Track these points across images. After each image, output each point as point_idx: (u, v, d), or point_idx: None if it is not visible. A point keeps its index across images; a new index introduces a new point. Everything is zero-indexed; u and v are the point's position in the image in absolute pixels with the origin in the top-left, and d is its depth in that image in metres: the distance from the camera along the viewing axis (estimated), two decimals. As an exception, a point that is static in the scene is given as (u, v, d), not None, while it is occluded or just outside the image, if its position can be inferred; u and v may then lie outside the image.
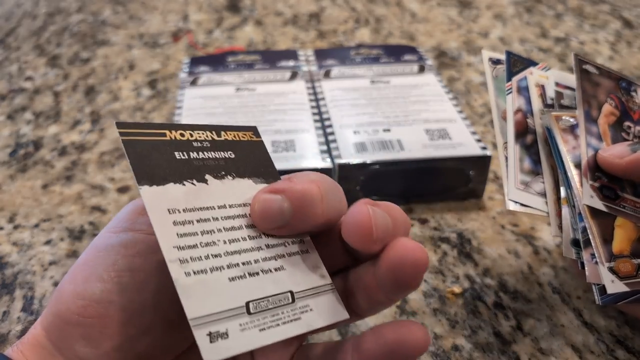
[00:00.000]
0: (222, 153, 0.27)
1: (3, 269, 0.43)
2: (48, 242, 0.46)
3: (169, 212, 0.23)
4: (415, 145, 0.49)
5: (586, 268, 0.32)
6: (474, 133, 0.50)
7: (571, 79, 0.40)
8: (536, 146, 0.37)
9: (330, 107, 0.54)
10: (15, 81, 0.69)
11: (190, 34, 0.79)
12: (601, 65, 0.39)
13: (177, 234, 0.23)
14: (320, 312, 0.24)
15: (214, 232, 0.24)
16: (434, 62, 0.70)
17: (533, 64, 0.40)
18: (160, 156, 0.25)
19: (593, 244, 0.32)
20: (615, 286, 0.32)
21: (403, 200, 0.49)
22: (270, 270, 0.24)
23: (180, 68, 0.64)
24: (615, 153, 0.34)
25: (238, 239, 0.24)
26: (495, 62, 0.40)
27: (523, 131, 0.37)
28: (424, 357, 0.36)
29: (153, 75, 0.69)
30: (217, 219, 0.24)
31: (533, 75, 0.39)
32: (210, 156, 0.26)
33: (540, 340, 0.37)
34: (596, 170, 0.34)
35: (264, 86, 0.58)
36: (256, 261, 0.24)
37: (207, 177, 0.25)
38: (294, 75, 0.60)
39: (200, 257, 0.23)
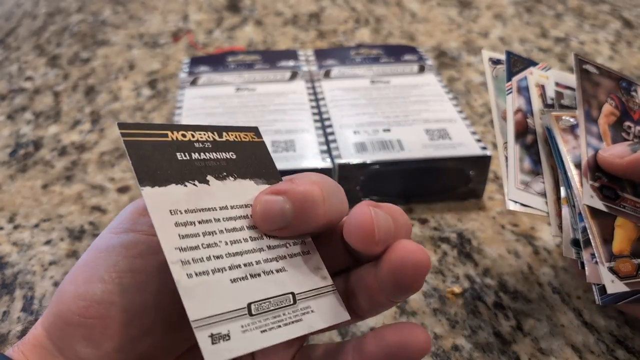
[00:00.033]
0: (223, 154, 0.27)
1: (3, 269, 0.43)
2: (48, 242, 0.46)
3: (171, 213, 0.23)
4: (415, 145, 0.49)
5: (586, 268, 0.32)
6: (474, 133, 0.50)
7: (571, 79, 0.40)
8: (536, 146, 0.37)
9: (330, 107, 0.54)
10: (15, 81, 0.69)
11: (190, 34, 0.79)
12: (601, 65, 0.39)
13: (179, 235, 0.23)
14: (322, 313, 0.24)
15: (216, 234, 0.24)
16: (434, 62, 0.70)
17: (533, 64, 0.40)
18: (161, 157, 0.25)
19: (593, 244, 0.32)
20: (615, 286, 0.32)
21: (403, 200, 0.49)
22: (272, 272, 0.24)
23: (180, 68, 0.64)
24: (616, 153, 0.34)
25: (240, 240, 0.24)
26: (496, 62, 0.40)
27: (523, 131, 0.37)
28: (424, 357, 0.36)
29: (153, 75, 0.69)
30: (218, 220, 0.24)
31: (533, 75, 0.39)
32: (212, 157, 0.26)
33: (540, 340, 0.37)
34: (596, 170, 0.34)
35: (264, 86, 0.58)
36: (258, 262, 0.24)
37: (209, 178, 0.25)
38: (294, 75, 0.60)
39: (202, 258, 0.23)
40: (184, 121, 0.53)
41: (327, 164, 0.47)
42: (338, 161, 0.47)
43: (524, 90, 0.39)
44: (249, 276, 0.23)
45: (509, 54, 0.39)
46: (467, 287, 0.42)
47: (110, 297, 0.24)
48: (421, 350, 0.24)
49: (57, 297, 0.25)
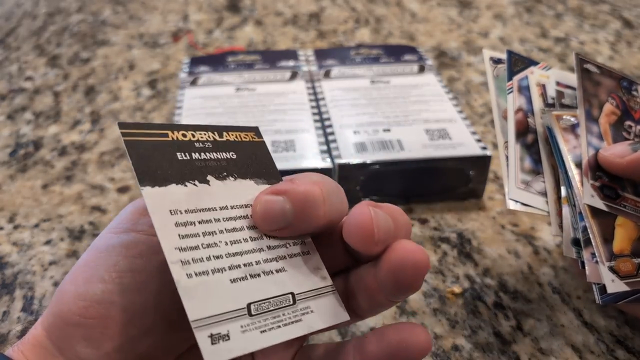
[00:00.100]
0: (224, 154, 0.27)
1: (3, 269, 0.43)
2: (48, 242, 0.46)
3: (171, 213, 0.23)
4: (415, 145, 0.49)
5: (586, 267, 0.32)
6: (474, 133, 0.50)
7: (572, 78, 0.40)
8: (537, 145, 0.37)
9: (330, 107, 0.54)
10: (15, 81, 0.69)
11: (190, 34, 0.79)
12: (602, 64, 0.39)
13: (179, 235, 0.23)
14: (321, 313, 0.24)
15: (216, 234, 0.24)
16: (434, 62, 0.70)
17: (534, 63, 0.40)
18: (162, 157, 0.24)
19: (593, 243, 0.32)
20: (615, 285, 0.32)
21: (403, 200, 0.49)
22: (272, 272, 0.24)
23: (180, 68, 0.64)
24: (616, 152, 0.34)
25: (240, 240, 0.24)
26: (496, 61, 0.40)
27: (524, 130, 0.37)
28: (424, 357, 0.36)
29: (153, 75, 0.69)
30: (218, 220, 0.24)
31: (534, 75, 0.39)
32: (212, 157, 0.26)
33: (540, 340, 0.37)
34: (597, 169, 0.34)
35: (264, 86, 0.58)
36: (257, 263, 0.24)
37: (209, 178, 0.25)
38: (294, 75, 0.60)
39: (202, 258, 0.23)
40: (184, 121, 0.53)
41: (327, 164, 0.47)
42: (338, 161, 0.47)
43: (524, 90, 0.39)
44: (248, 276, 0.23)
45: (510, 53, 0.39)
46: (467, 287, 0.41)
47: (110, 297, 0.24)
48: (422, 350, 0.24)
49: (57, 297, 0.25)
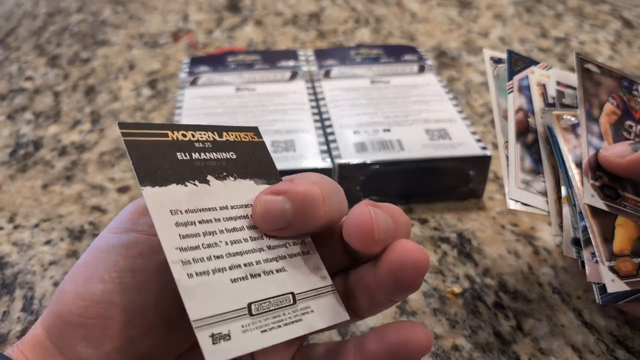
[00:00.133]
0: (223, 154, 0.27)
1: (3, 269, 0.43)
2: (48, 242, 0.46)
3: (171, 213, 0.23)
4: (415, 145, 0.49)
5: (586, 267, 0.32)
6: (474, 133, 0.50)
7: (572, 78, 0.40)
8: (537, 145, 0.37)
9: (330, 107, 0.54)
10: (15, 81, 0.69)
11: (190, 34, 0.79)
12: (603, 64, 0.39)
13: (180, 235, 0.23)
14: (321, 313, 0.24)
15: (216, 234, 0.24)
16: (434, 62, 0.70)
17: (534, 63, 0.40)
18: (162, 157, 0.24)
19: (594, 243, 0.32)
20: (615, 285, 0.32)
21: (403, 200, 0.49)
22: (272, 272, 0.24)
23: (180, 68, 0.64)
24: (617, 152, 0.34)
25: (240, 240, 0.24)
26: (497, 61, 0.40)
27: (524, 130, 0.37)
28: (424, 358, 0.36)
29: (153, 75, 0.69)
30: (219, 220, 0.24)
31: (534, 74, 0.39)
32: (212, 157, 0.26)
33: (540, 340, 0.37)
34: (597, 169, 0.34)
35: (264, 86, 0.58)
36: (258, 262, 0.24)
37: (209, 178, 0.25)
38: (294, 75, 0.60)
39: (203, 258, 0.23)
40: (184, 121, 0.53)
41: (327, 164, 0.47)
42: (338, 161, 0.47)
43: (525, 89, 0.39)
44: (249, 276, 0.23)
45: (510, 53, 0.39)
46: (467, 287, 0.41)
47: (110, 297, 0.24)
48: (422, 348, 0.24)
49: (57, 297, 0.25)
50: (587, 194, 0.34)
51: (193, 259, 0.22)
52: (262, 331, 0.22)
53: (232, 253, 0.24)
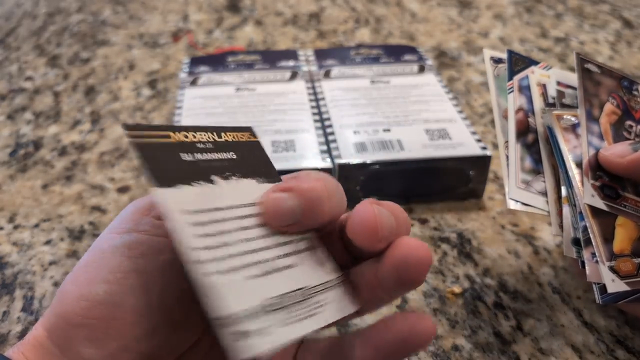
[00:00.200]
0: (224, 154, 0.27)
1: (3, 269, 0.43)
2: (48, 242, 0.46)
3: (184, 213, 0.23)
4: (415, 145, 0.49)
5: (587, 267, 0.32)
6: (474, 133, 0.50)
7: (573, 78, 0.40)
8: (537, 145, 0.37)
9: (330, 107, 0.54)
10: (15, 81, 0.69)
11: (190, 34, 0.79)
12: (603, 64, 0.39)
13: (194, 235, 0.23)
14: (335, 305, 0.25)
15: (228, 233, 0.24)
16: (434, 62, 0.70)
17: (534, 63, 0.40)
18: (168, 158, 0.24)
19: (594, 243, 0.32)
20: (615, 285, 0.32)
21: (403, 200, 0.49)
22: (285, 268, 0.24)
23: (180, 68, 0.64)
24: (617, 152, 0.34)
25: (251, 238, 0.24)
26: (497, 61, 0.40)
27: (524, 130, 0.37)
28: (424, 358, 0.36)
29: (153, 75, 0.69)
30: (228, 219, 0.24)
31: (534, 74, 0.39)
32: (215, 157, 0.26)
33: (540, 340, 0.37)
34: (597, 169, 0.34)
35: (264, 86, 0.58)
36: (270, 260, 0.24)
37: (214, 178, 0.25)
38: (294, 75, 0.60)
39: (218, 257, 0.23)
40: (184, 121, 0.53)
41: (327, 164, 0.47)
42: (338, 161, 0.47)
43: (525, 89, 0.39)
44: (263, 273, 0.23)
45: (511, 52, 0.39)
46: (467, 287, 0.41)
47: (114, 297, 0.24)
48: (428, 336, 0.24)
49: (59, 298, 0.25)
50: (587, 194, 0.34)
51: (209, 259, 0.22)
52: (281, 327, 0.22)
53: (245, 251, 0.24)
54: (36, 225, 0.47)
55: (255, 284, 0.23)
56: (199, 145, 0.26)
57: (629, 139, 0.36)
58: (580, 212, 0.33)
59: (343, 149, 0.48)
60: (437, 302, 0.40)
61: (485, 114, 0.61)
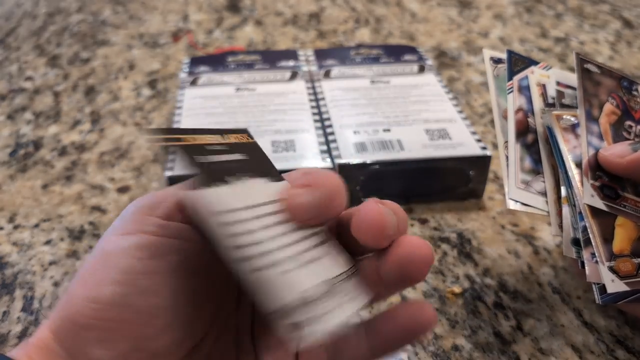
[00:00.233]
0: (231, 155, 0.27)
1: (3, 269, 0.43)
2: (48, 242, 0.46)
3: (217, 214, 0.23)
4: (415, 145, 0.49)
5: (586, 267, 0.32)
6: (474, 133, 0.50)
7: (572, 78, 0.40)
8: (537, 145, 0.37)
9: (330, 107, 0.54)
10: (15, 81, 0.69)
11: (190, 34, 0.79)
12: (603, 64, 0.39)
13: (233, 234, 0.23)
14: (357, 292, 0.26)
15: (260, 230, 0.24)
16: (434, 62, 0.70)
17: (534, 63, 0.40)
18: (191, 160, 0.25)
19: (593, 243, 0.32)
20: (615, 285, 0.32)
21: (403, 200, 0.49)
22: (315, 260, 0.25)
23: (180, 68, 0.64)
24: (616, 152, 0.34)
25: (280, 234, 0.25)
26: (497, 61, 0.40)
27: (524, 130, 0.37)
28: (425, 358, 0.36)
29: (153, 75, 0.69)
30: (254, 217, 0.25)
31: (534, 75, 0.39)
32: (225, 159, 0.27)
33: (540, 340, 0.37)
34: (597, 169, 0.34)
35: (264, 86, 0.58)
36: (301, 252, 0.25)
37: (229, 178, 0.26)
38: (294, 75, 0.60)
39: (260, 253, 0.23)
40: (184, 121, 0.53)
41: (327, 164, 0.47)
42: (338, 161, 0.47)
43: (525, 90, 0.39)
44: (300, 265, 0.24)
45: (510, 53, 0.39)
46: (467, 287, 0.41)
47: (124, 299, 0.24)
48: (431, 324, 0.25)
49: (66, 300, 0.25)
50: (586, 194, 0.34)
51: (254, 255, 0.23)
52: (329, 313, 0.23)
53: (277, 247, 0.24)
54: (36, 225, 0.47)
55: (297, 275, 0.24)
56: (207, 147, 0.26)
57: (628, 139, 0.36)
58: (580, 213, 0.33)
59: (343, 149, 0.48)
60: (437, 302, 0.40)
61: (485, 114, 0.61)
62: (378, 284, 0.26)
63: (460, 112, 0.53)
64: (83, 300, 0.24)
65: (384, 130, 0.50)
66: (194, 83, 0.59)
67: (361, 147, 0.48)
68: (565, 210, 0.34)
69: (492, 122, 0.59)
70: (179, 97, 0.56)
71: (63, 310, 0.25)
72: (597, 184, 0.34)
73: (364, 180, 0.48)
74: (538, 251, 0.44)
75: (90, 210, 0.49)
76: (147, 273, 0.24)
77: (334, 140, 0.49)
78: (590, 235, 0.33)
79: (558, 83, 0.40)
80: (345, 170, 0.47)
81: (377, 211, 0.25)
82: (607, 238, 0.33)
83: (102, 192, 0.51)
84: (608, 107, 0.37)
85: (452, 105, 0.54)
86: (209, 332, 0.27)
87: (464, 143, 0.49)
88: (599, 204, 0.33)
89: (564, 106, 0.39)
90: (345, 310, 0.24)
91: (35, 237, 0.46)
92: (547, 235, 0.46)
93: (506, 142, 0.37)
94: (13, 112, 0.63)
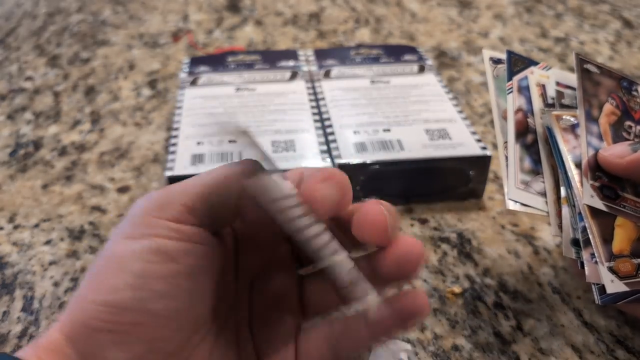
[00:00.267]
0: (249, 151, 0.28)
1: (3, 269, 0.43)
2: (48, 242, 0.46)
3: (279, 199, 0.25)
4: (415, 145, 0.49)
5: (586, 268, 0.32)
6: (474, 133, 0.50)
7: (572, 79, 0.40)
8: (536, 146, 0.37)
9: (330, 107, 0.54)
10: (15, 81, 0.69)
11: (190, 34, 0.79)
12: (602, 64, 0.39)
13: (297, 228, 0.25)
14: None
15: (299, 219, 0.25)
16: (434, 62, 0.70)
17: (534, 63, 0.40)
18: (262, 153, 0.26)
19: (593, 244, 0.32)
20: (614, 286, 0.32)
21: (403, 200, 0.49)
22: (337, 251, 0.26)
23: (180, 68, 0.64)
24: (616, 153, 0.34)
25: (308, 225, 0.25)
26: (496, 61, 0.40)
27: (523, 130, 0.37)
28: (425, 358, 0.36)
29: (153, 75, 0.69)
30: (294, 206, 0.25)
31: (534, 75, 0.39)
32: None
33: (540, 340, 0.37)
34: (597, 169, 0.34)
35: (264, 86, 0.58)
36: (330, 241, 0.25)
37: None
38: (294, 75, 0.60)
39: (324, 241, 0.25)
40: (184, 121, 0.53)
41: (327, 164, 0.47)
42: (338, 161, 0.47)
43: (524, 90, 0.39)
44: (335, 252, 0.25)
45: (510, 53, 0.39)
46: (467, 287, 0.41)
47: (140, 303, 0.24)
48: (425, 311, 0.27)
49: (77, 304, 0.25)
50: (586, 195, 0.34)
51: (324, 242, 0.25)
52: (370, 290, 0.25)
53: (317, 234, 0.25)
54: (36, 225, 0.47)
55: (342, 260, 0.25)
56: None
57: (628, 140, 0.36)
58: (580, 213, 0.33)
59: (343, 149, 0.48)
60: (437, 302, 0.40)
61: (485, 114, 0.61)
62: (374, 280, 0.26)
63: (460, 112, 0.53)
64: (97, 305, 0.24)
65: (384, 130, 0.50)
66: (194, 83, 0.59)
67: (361, 147, 0.48)
68: (565, 210, 0.34)
69: (492, 122, 0.59)
70: (179, 97, 0.56)
71: (74, 314, 0.25)
72: (596, 184, 0.34)
73: (364, 180, 0.48)
74: (538, 251, 0.44)
75: (90, 210, 0.49)
76: (161, 277, 0.25)
77: (334, 140, 0.49)
78: (590, 236, 0.33)
79: (558, 83, 0.40)
80: (345, 171, 0.46)
81: (381, 213, 0.26)
82: (607, 238, 0.33)
83: (102, 192, 0.51)
84: (608, 107, 0.37)
85: (452, 105, 0.54)
86: (210, 327, 0.28)
87: (464, 143, 0.49)
88: (599, 204, 0.33)
89: (563, 106, 0.39)
90: (372, 290, 0.26)
91: (35, 237, 0.46)
92: (547, 236, 0.46)
93: (506, 142, 0.37)
94: (13, 112, 0.63)
